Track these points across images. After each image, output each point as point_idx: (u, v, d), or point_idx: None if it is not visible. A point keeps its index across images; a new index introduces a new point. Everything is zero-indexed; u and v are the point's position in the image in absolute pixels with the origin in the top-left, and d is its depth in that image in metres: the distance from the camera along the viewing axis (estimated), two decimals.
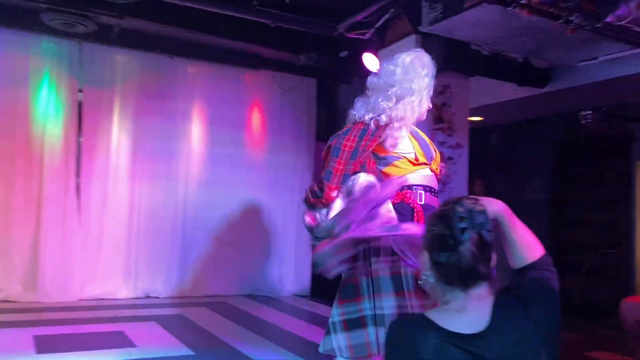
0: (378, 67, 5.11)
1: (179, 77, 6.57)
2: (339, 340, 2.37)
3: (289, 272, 7.02)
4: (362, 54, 5.45)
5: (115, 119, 6.27)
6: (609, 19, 3.44)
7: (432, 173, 2.61)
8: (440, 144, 4.64)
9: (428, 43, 4.37)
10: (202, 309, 5.81)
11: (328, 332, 2.42)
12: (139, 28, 5.85)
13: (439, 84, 4.64)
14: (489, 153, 7.77)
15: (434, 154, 2.64)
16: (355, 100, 2.63)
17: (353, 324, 2.35)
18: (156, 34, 6.03)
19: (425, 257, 1.34)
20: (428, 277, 1.34)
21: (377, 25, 4.79)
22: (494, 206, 1.44)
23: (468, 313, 1.27)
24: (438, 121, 4.66)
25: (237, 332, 4.87)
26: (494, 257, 1.33)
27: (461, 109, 4.85)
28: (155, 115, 6.40)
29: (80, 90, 6.12)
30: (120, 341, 4.33)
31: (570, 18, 3.35)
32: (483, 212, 1.30)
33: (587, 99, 5.54)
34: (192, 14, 5.26)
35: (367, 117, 2.50)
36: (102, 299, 5.98)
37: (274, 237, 6.99)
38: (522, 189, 7.98)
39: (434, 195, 2.56)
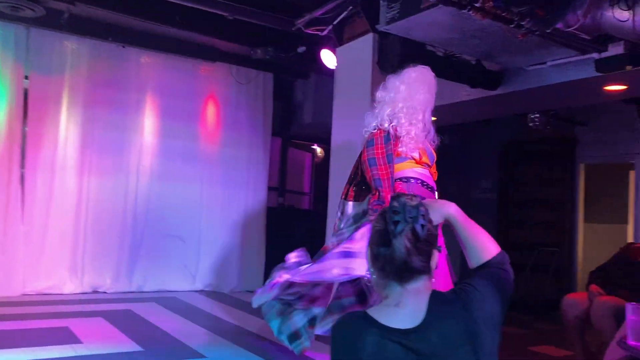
0: (336, 63, 5.18)
1: (132, 67, 6.40)
2: None
3: (242, 268, 6.97)
4: (320, 50, 5.46)
5: (64, 108, 6.06)
6: (558, 25, 3.56)
7: (430, 175, 2.89)
8: None
9: (385, 42, 4.41)
10: (151, 305, 5.70)
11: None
12: (90, 14, 5.66)
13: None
14: (441, 153, 7.91)
15: (435, 158, 2.94)
16: (365, 116, 2.92)
17: None
18: (108, 22, 5.85)
19: (368, 252, 1.36)
20: (372, 273, 1.36)
21: (335, 22, 4.80)
22: (446, 208, 1.48)
23: (405, 308, 1.29)
24: None
25: (187, 328, 4.80)
26: (435, 253, 1.35)
27: None
28: (105, 106, 6.23)
29: (26, 77, 5.89)
30: (65, 337, 4.20)
31: (522, 23, 3.44)
32: (417, 206, 1.31)
33: (536, 102, 5.71)
34: (147, 3, 5.15)
35: (385, 125, 2.79)
36: (46, 294, 5.78)
37: (227, 232, 6.92)
38: (472, 188, 8.18)
39: (428, 189, 2.80)
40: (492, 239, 1.52)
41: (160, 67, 6.57)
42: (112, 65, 6.26)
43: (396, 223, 1.28)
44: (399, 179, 2.81)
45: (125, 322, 4.86)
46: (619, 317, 3.58)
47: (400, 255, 1.27)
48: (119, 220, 6.31)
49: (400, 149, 2.80)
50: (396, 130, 2.79)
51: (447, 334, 1.26)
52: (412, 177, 2.81)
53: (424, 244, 1.30)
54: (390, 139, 2.77)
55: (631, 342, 2.48)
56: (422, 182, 2.85)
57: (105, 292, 6.15)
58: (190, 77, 6.74)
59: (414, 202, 1.32)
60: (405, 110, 2.81)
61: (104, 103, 6.22)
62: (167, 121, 6.60)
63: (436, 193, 2.90)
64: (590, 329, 3.97)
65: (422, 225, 1.29)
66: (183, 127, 6.69)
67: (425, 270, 1.31)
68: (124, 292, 6.20)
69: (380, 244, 1.31)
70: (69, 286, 5.99)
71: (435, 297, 1.32)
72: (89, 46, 6.13)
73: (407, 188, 2.77)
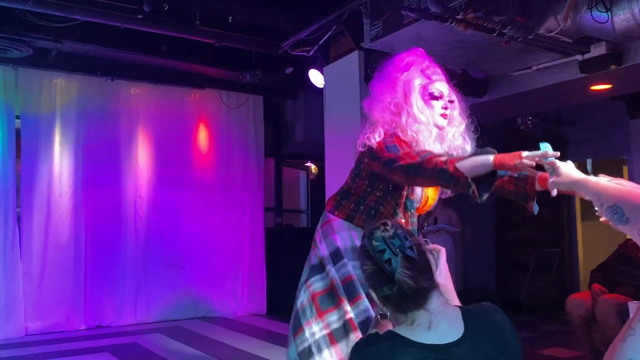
0: (323, 82, 5.23)
1: (122, 99, 6.44)
2: None
3: (243, 292, 6.95)
4: (307, 70, 5.52)
5: (56, 144, 6.07)
6: (540, 30, 3.62)
7: None
8: None
9: (371, 58, 4.47)
10: (156, 336, 5.67)
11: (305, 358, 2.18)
12: (78, 50, 5.70)
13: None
14: None
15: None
16: None
17: (340, 333, 2.17)
18: (96, 56, 5.89)
19: (372, 294, 1.35)
20: (385, 310, 1.34)
21: (321, 42, 4.86)
22: None
23: (438, 325, 1.28)
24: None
25: (194, 356, 4.78)
26: (432, 260, 1.35)
27: None
28: (98, 139, 6.25)
29: (17, 117, 5.91)
30: None
31: (504, 31, 3.50)
32: (396, 234, 1.30)
33: (524, 107, 5.77)
34: (133, 35, 5.19)
35: None
36: (49, 333, 5.74)
37: (226, 257, 6.90)
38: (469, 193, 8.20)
39: None
40: None
41: (150, 97, 6.60)
42: (102, 99, 6.29)
43: (388, 261, 1.27)
44: None
45: (132, 355, 4.84)
46: (624, 314, 3.60)
47: (409, 286, 1.27)
48: (119, 253, 6.29)
49: None
50: None
51: (486, 346, 1.27)
52: None
53: (421, 261, 1.30)
54: None
55: None
56: None
57: (109, 327, 6.11)
58: (180, 105, 6.78)
59: (390, 232, 1.31)
60: None
61: (97, 137, 6.24)
62: (160, 150, 6.63)
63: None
64: (596, 328, 3.98)
65: (411, 247, 1.29)
66: (177, 155, 6.71)
67: (435, 285, 1.32)
68: (129, 325, 6.16)
69: (382, 284, 1.30)
70: (72, 323, 5.95)
71: (467, 312, 1.33)
72: (78, 81, 6.16)
73: None
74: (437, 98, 2.31)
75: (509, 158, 1.92)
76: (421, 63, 2.36)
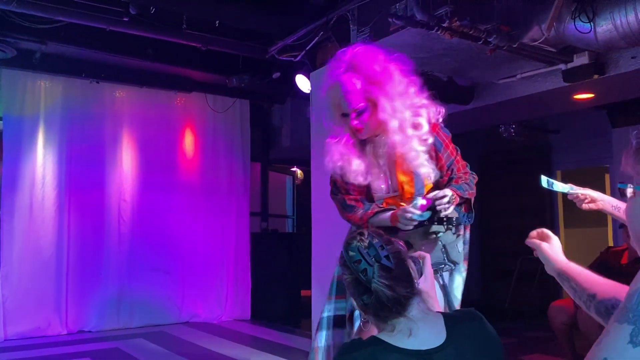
0: (310, 87, 5.24)
1: (107, 101, 6.38)
2: (324, 339, 2.24)
3: (228, 297, 6.91)
4: (294, 75, 5.52)
5: (39, 147, 6.00)
6: (524, 39, 3.67)
7: None
8: None
9: None
10: (139, 341, 5.61)
11: (320, 329, 2.28)
12: (63, 52, 5.65)
13: None
14: None
15: None
16: None
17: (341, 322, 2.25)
18: (81, 58, 5.84)
19: (354, 302, 1.37)
20: (367, 318, 1.36)
21: (308, 48, 4.87)
22: None
23: (419, 331, 1.28)
24: None
25: None
26: (412, 268, 1.35)
27: None
28: (82, 142, 6.19)
29: (0, 118, 5.84)
30: None
31: (489, 39, 3.54)
32: (371, 244, 1.31)
33: (508, 114, 5.83)
34: (119, 38, 5.15)
35: None
36: (30, 337, 5.65)
37: (211, 262, 6.86)
38: None
39: None
40: None
41: (135, 100, 6.56)
42: (87, 101, 6.23)
43: (364, 271, 1.28)
44: None
45: None
46: None
47: (386, 295, 1.27)
48: (102, 257, 6.22)
49: None
50: None
51: (469, 352, 1.28)
52: None
53: (398, 269, 1.30)
54: None
55: None
56: None
57: (90, 332, 6.03)
58: (166, 108, 6.73)
59: (365, 242, 1.31)
60: None
61: (81, 139, 6.18)
62: (145, 153, 6.58)
63: None
64: (578, 335, 4.02)
65: (387, 257, 1.29)
66: (162, 159, 6.67)
67: (414, 292, 1.31)
68: (111, 330, 6.09)
69: (360, 293, 1.30)
70: (54, 328, 5.86)
71: (449, 317, 1.34)
72: (62, 83, 6.10)
73: None
74: (345, 115, 2.19)
75: (394, 219, 2.11)
76: (330, 80, 2.22)
